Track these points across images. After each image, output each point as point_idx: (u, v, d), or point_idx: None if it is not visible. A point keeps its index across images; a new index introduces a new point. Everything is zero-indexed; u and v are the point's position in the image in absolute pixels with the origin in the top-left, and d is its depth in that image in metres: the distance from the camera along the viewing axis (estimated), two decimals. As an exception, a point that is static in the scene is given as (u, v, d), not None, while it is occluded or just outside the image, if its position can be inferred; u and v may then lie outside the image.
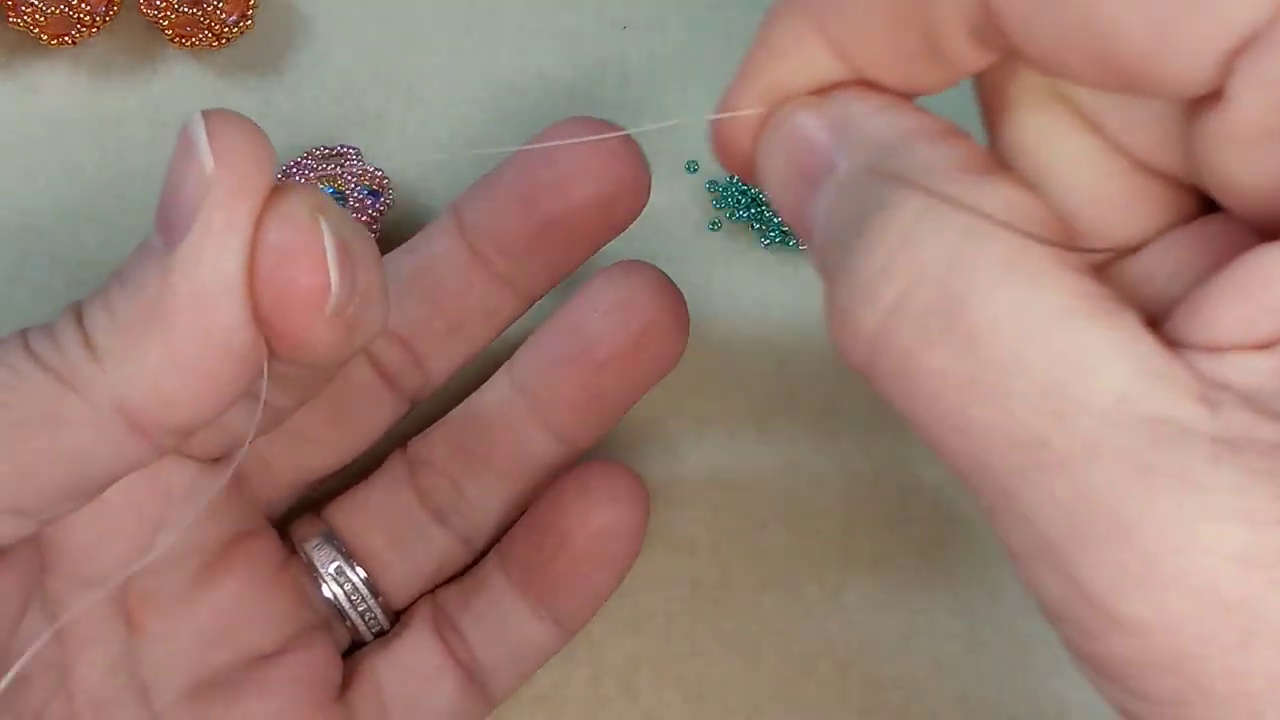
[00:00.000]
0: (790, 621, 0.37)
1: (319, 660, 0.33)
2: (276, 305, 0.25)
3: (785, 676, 0.36)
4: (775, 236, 0.39)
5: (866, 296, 0.21)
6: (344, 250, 0.25)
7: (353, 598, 0.34)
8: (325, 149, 0.38)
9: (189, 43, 0.39)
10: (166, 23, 0.39)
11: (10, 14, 0.38)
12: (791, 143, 0.25)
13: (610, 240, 0.34)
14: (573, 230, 0.33)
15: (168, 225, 0.25)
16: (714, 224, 0.39)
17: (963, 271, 0.21)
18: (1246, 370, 0.20)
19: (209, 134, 0.25)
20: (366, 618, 0.34)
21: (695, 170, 0.40)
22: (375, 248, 0.27)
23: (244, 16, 0.39)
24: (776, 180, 0.25)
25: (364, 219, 0.37)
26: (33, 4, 0.38)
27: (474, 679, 0.34)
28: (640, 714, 0.36)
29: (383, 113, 0.40)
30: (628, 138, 0.33)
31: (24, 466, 0.25)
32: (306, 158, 0.38)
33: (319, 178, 0.38)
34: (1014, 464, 0.20)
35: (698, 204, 0.39)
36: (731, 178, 0.39)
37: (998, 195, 0.22)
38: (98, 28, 0.39)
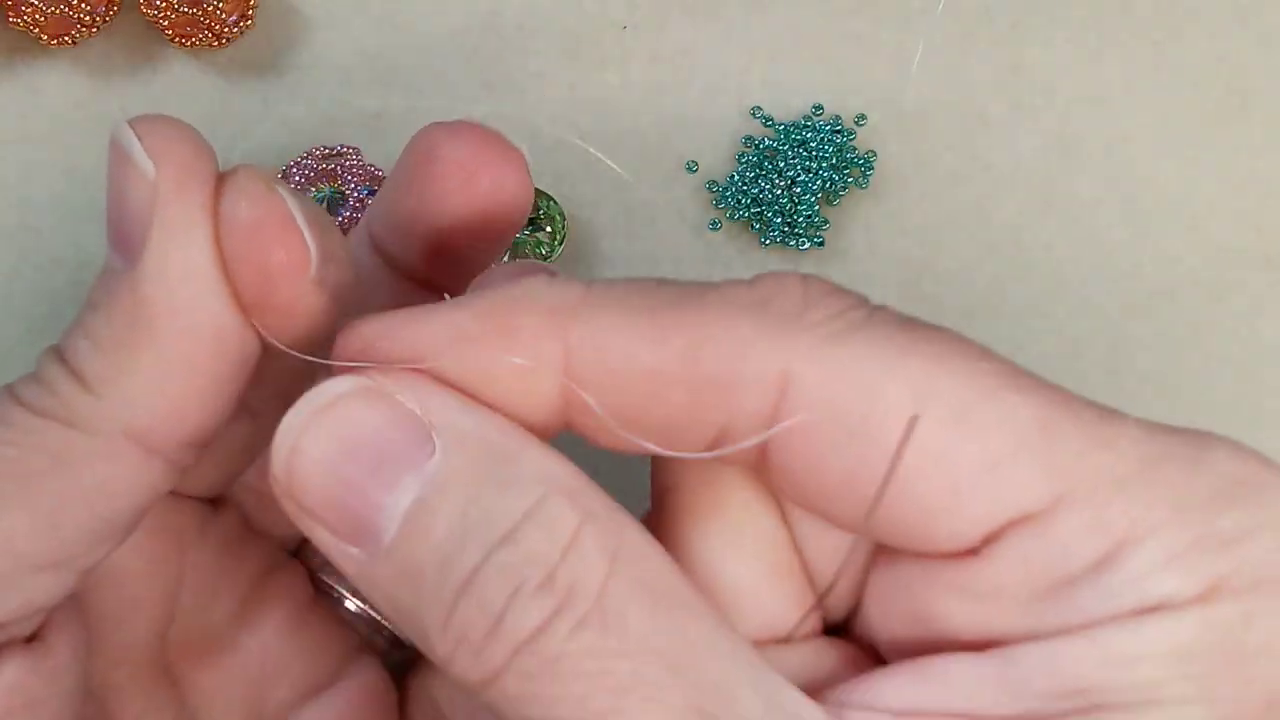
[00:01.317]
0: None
1: (374, 684, 0.32)
2: (260, 283, 0.24)
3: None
4: (775, 236, 0.39)
5: (530, 606, 0.22)
6: (307, 214, 0.25)
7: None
8: (325, 149, 0.38)
9: (189, 43, 0.39)
10: (166, 23, 0.39)
11: (10, 14, 0.38)
12: (361, 426, 0.23)
13: (513, 233, 0.31)
14: (470, 237, 0.30)
15: (124, 240, 0.24)
16: (714, 224, 0.39)
17: (621, 586, 0.22)
18: None
19: (140, 138, 0.24)
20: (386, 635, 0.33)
21: (695, 170, 0.40)
22: (321, 210, 0.26)
23: (244, 16, 0.39)
24: (317, 462, 0.23)
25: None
26: (33, 4, 0.38)
27: None
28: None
29: (382, 113, 0.40)
30: (504, 146, 0.30)
31: (47, 516, 0.25)
32: (306, 157, 0.38)
33: (319, 177, 0.38)
34: None
35: (698, 204, 0.39)
36: (732, 177, 0.39)
37: (642, 529, 0.23)
38: (98, 28, 0.39)
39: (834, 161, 0.39)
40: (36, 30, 0.39)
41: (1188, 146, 0.40)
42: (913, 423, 0.22)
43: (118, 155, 0.24)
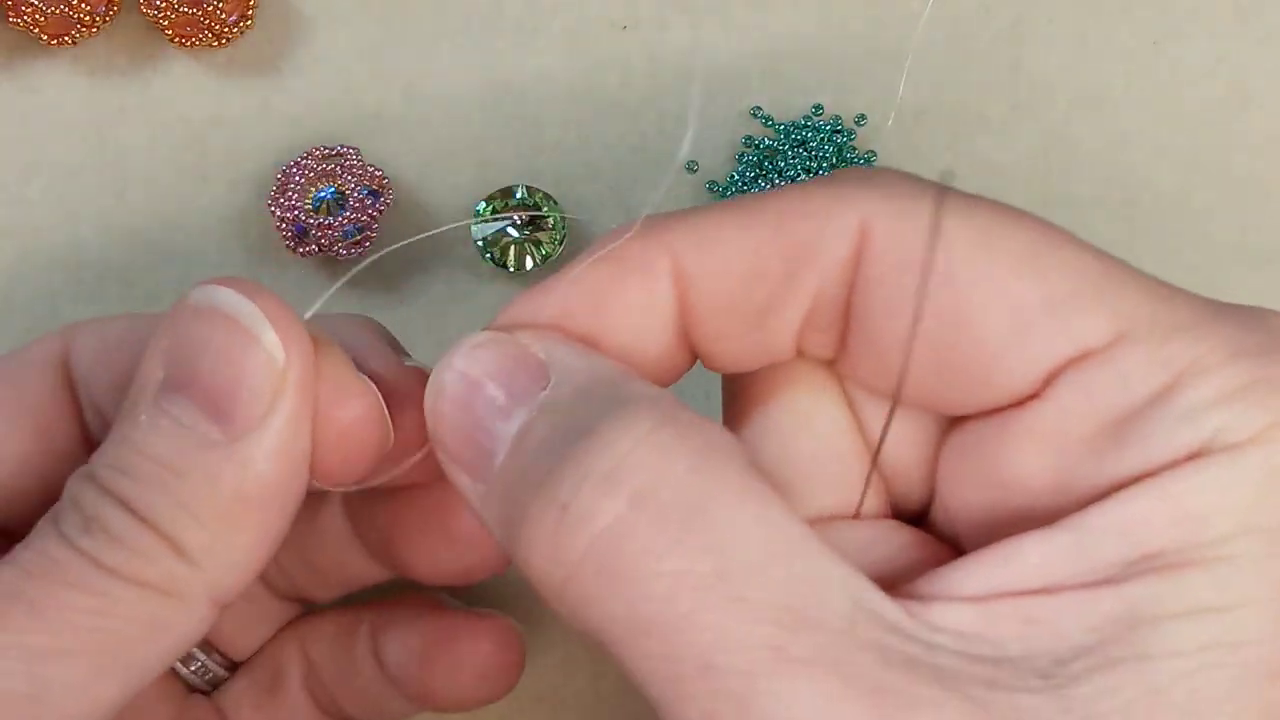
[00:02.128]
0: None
1: None
2: (344, 463, 0.27)
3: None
4: (775, 236, 0.39)
5: (600, 491, 0.22)
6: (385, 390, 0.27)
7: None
8: (325, 149, 0.38)
9: (189, 43, 0.39)
10: (166, 23, 0.39)
11: (10, 14, 0.38)
12: (493, 360, 0.25)
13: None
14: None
15: (228, 416, 0.25)
16: (714, 224, 0.39)
17: (708, 479, 0.22)
18: (953, 617, 0.22)
19: (271, 322, 0.25)
20: (199, 672, 0.33)
21: (695, 170, 0.40)
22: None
23: (244, 16, 0.39)
24: (453, 400, 0.25)
25: (364, 218, 0.37)
26: (33, 4, 0.38)
27: None
28: (640, 714, 0.36)
29: (382, 112, 0.40)
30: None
31: (137, 681, 0.25)
32: (306, 158, 0.38)
33: (319, 177, 0.38)
34: (749, 666, 0.21)
35: (698, 204, 0.39)
36: (732, 177, 0.39)
37: (725, 430, 0.23)
38: (98, 28, 0.39)
39: (834, 161, 0.39)
40: (36, 30, 0.39)
41: (1188, 146, 0.40)
42: (934, 234, 0.23)
43: (231, 327, 0.25)
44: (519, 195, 0.38)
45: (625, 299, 0.25)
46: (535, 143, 0.40)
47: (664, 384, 0.26)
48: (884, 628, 0.22)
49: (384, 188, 0.38)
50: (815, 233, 0.25)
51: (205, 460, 0.25)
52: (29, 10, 0.38)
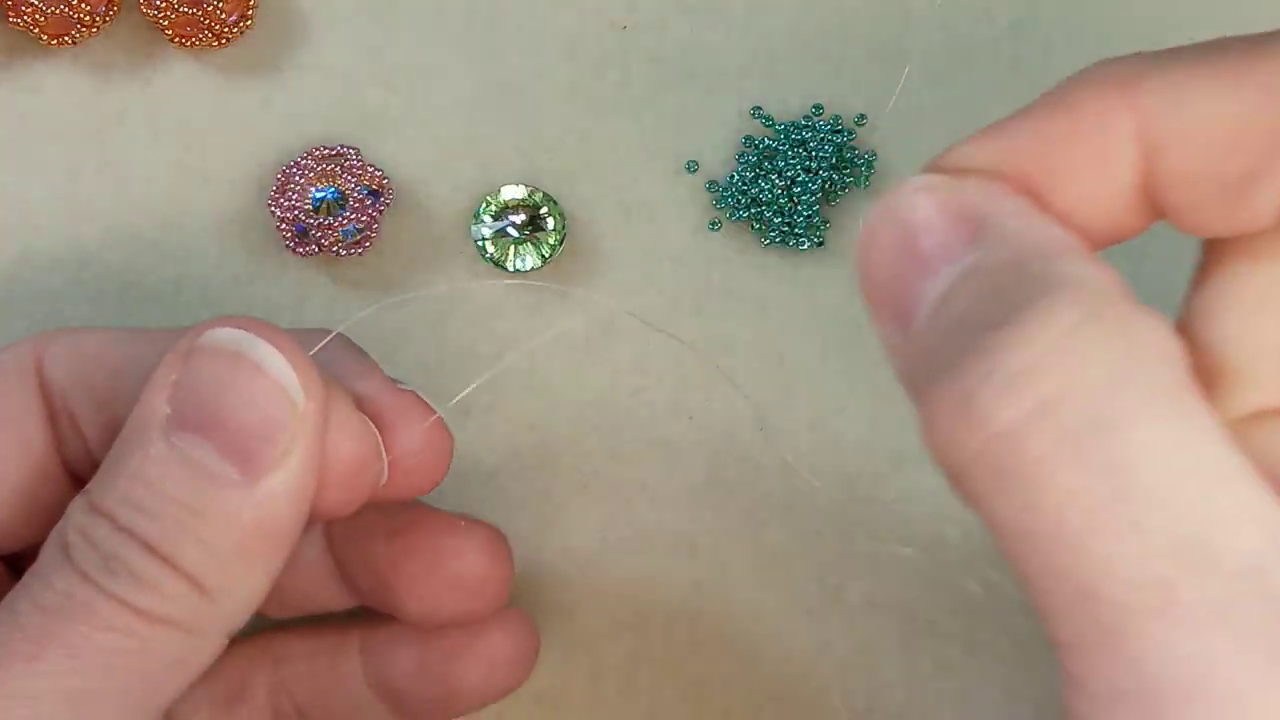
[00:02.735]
0: (790, 621, 0.37)
1: None
2: (342, 498, 0.28)
3: (785, 676, 0.36)
4: (775, 236, 0.39)
5: (1005, 390, 0.20)
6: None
7: None
8: (325, 149, 0.38)
9: (189, 42, 0.39)
10: (166, 22, 0.39)
11: (10, 14, 0.38)
12: (921, 212, 0.23)
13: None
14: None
15: (246, 456, 0.26)
16: (714, 224, 0.39)
17: (1124, 392, 0.20)
18: None
19: (294, 367, 0.26)
20: None
21: (695, 170, 0.40)
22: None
23: (244, 16, 0.39)
24: (883, 245, 0.23)
25: (364, 219, 0.37)
26: (33, 4, 0.38)
27: None
28: (640, 713, 0.36)
29: (382, 112, 0.40)
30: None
31: (153, 717, 0.26)
32: (306, 157, 0.38)
33: (319, 177, 0.38)
34: (1131, 603, 0.19)
35: (697, 204, 0.39)
36: (731, 177, 0.39)
37: (1160, 328, 0.21)
38: (98, 28, 0.39)
39: (834, 161, 0.39)
40: (36, 30, 0.39)
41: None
42: None
43: (251, 371, 0.26)
44: (519, 195, 0.38)
45: (1078, 158, 0.23)
46: (535, 143, 0.40)
47: (1120, 240, 0.24)
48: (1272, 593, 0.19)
49: (384, 188, 0.38)
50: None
51: (225, 501, 0.26)
52: (29, 10, 0.38)
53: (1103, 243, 0.24)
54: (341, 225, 0.37)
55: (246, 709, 0.33)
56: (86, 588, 0.25)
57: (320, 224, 0.37)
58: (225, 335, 0.26)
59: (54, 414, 0.30)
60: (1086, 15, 0.41)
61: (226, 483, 0.26)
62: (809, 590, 0.37)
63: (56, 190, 0.39)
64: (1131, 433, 0.20)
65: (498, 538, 0.32)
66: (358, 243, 0.38)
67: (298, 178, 0.38)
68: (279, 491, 0.26)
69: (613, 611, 0.36)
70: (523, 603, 0.36)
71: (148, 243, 0.39)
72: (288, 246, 0.38)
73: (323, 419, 0.26)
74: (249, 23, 0.39)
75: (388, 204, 0.38)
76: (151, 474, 0.26)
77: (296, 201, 0.37)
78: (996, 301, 0.21)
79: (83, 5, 0.38)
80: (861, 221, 0.24)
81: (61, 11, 0.38)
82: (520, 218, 0.38)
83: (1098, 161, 0.23)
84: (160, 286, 0.39)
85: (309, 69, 0.40)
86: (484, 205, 0.38)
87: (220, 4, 0.39)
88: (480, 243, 0.38)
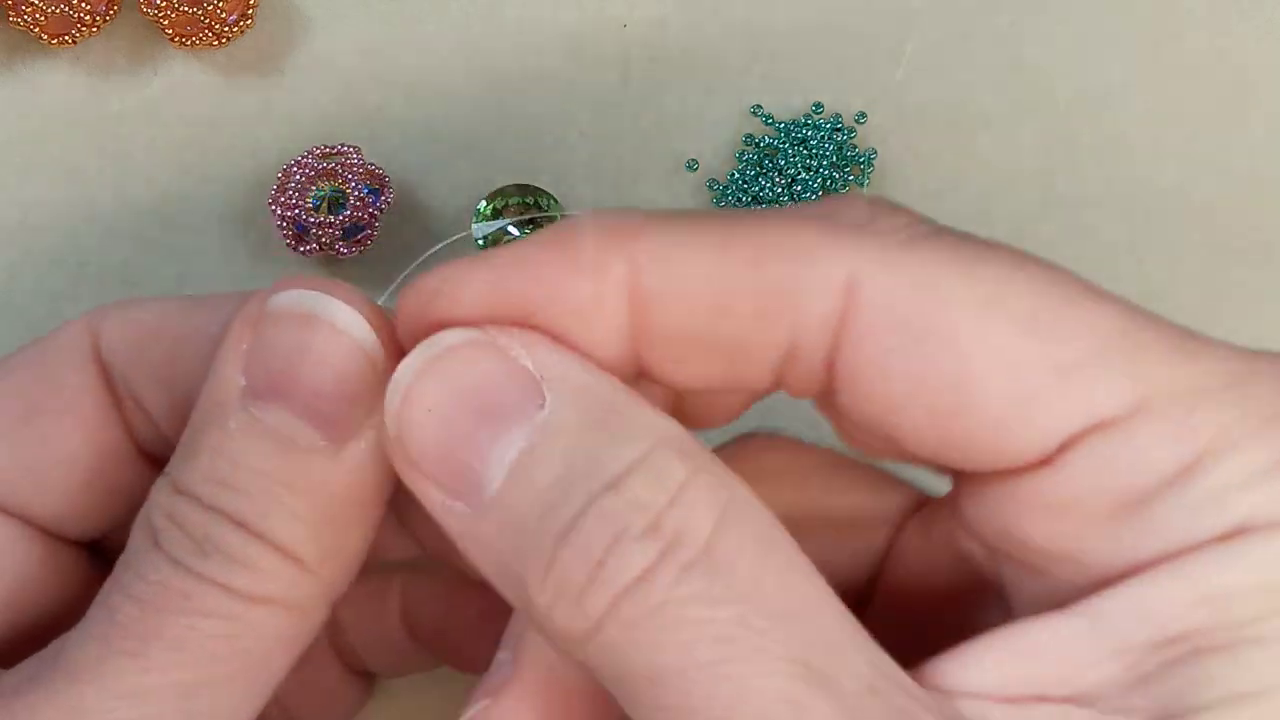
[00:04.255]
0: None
1: None
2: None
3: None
4: (775, 235, 0.39)
5: (632, 551, 0.21)
6: None
7: None
8: (326, 148, 0.38)
9: (189, 42, 0.39)
10: (166, 22, 0.39)
11: (11, 14, 0.38)
12: (472, 375, 0.23)
13: None
14: None
15: (330, 422, 0.24)
16: (714, 223, 0.39)
17: (733, 533, 0.21)
18: (981, 714, 0.21)
19: (365, 319, 0.25)
20: None
21: (695, 169, 0.40)
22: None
23: (244, 16, 0.39)
24: (429, 409, 0.23)
25: (365, 217, 0.37)
26: (33, 3, 0.38)
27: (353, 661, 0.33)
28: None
29: (382, 112, 0.40)
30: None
31: (266, 695, 0.25)
32: (307, 156, 0.38)
33: (319, 176, 0.38)
34: None
35: (698, 203, 0.39)
36: (732, 175, 0.39)
37: (746, 485, 0.22)
38: (98, 27, 0.39)
39: (834, 160, 0.39)
40: (37, 30, 0.39)
41: (1188, 144, 0.40)
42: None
43: (328, 333, 0.24)
44: (519, 195, 0.38)
45: (571, 298, 0.23)
46: (535, 143, 0.40)
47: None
48: (905, 694, 0.21)
49: (384, 186, 0.38)
50: (795, 281, 0.22)
51: (313, 469, 0.25)
52: (29, 10, 0.38)
53: None
54: (342, 224, 0.37)
55: (312, 651, 0.33)
56: (180, 574, 0.24)
57: (320, 223, 0.37)
58: (295, 297, 0.25)
59: (118, 397, 0.29)
60: (1087, 13, 0.41)
61: (313, 450, 0.24)
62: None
63: (56, 190, 0.39)
64: (746, 568, 0.21)
65: None
66: (358, 242, 0.38)
67: (298, 177, 0.38)
68: (368, 454, 0.25)
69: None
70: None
71: (148, 243, 0.39)
72: (288, 245, 0.38)
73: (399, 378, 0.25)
74: (249, 22, 0.39)
75: (388, 203, 0.38)
76: (234, 448, 0.24)
77: (297, 200, 0.37)
78: (591, 459, 0.21)
79: (83, 5, 0.38)
80: (394, 386, 0.23)
81: (62, 11, 0.38)
82: (520, 217, 0.38)
83: (589, 306, 0.23)
84: (160, 286, 0.39)
85: (309, 69, 0.40)
86: (484, 204, 0.38)
87: (220, 4, 0.39)
88: (480, 242, 0.38)
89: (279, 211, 0.37)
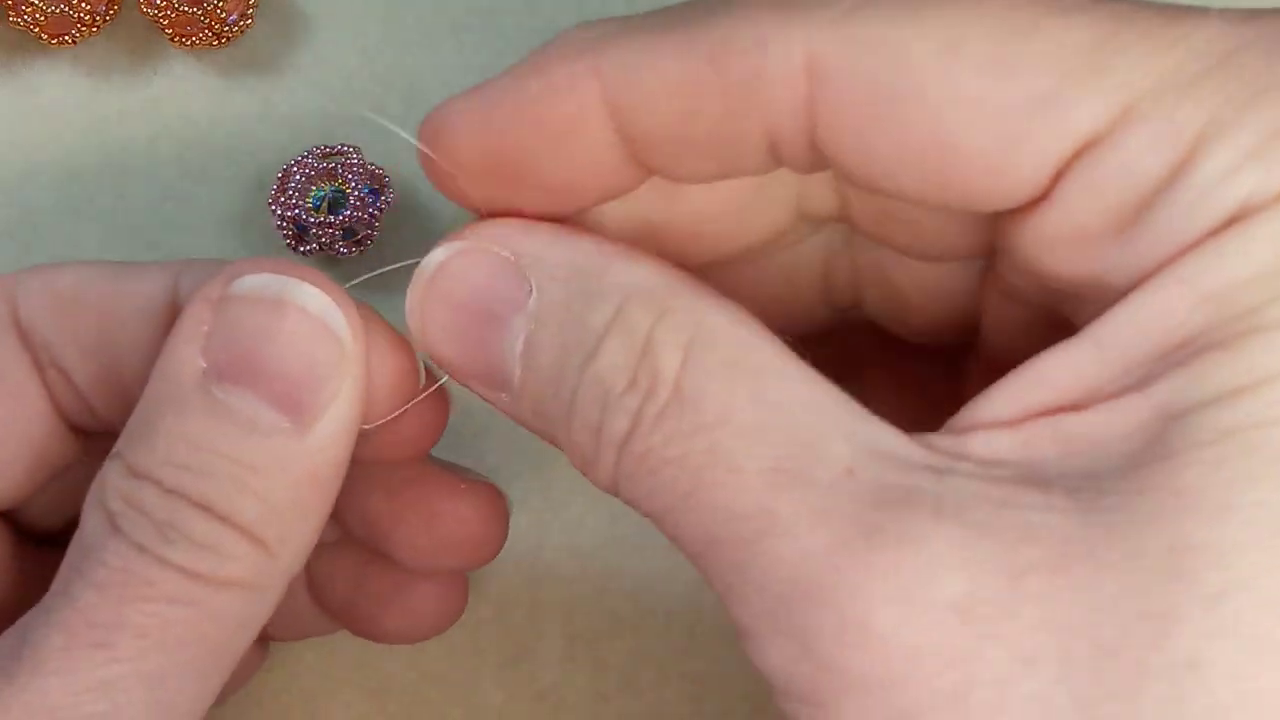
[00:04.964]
0: (791, 619, 0.37)
1: None
2: (385, 412, 0.27)
3: (786, 674, 0.36)
4: (775, 235, 0.39)
5: (619, 411, 0.22)
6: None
7: None
8: (326, 148, 0.38)
9: (189, 42, 0.39)
10: (166, 22, 0.39)
11: (10, 13, 0.38)
12: (465, 285, 0.25)
13: None
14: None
15: (295, 404, 0.25)
16: (714, 223, 0.39)
17: (701, 367, 0.22)
18: (986, 443, 0.21)
19: (334, 303, 0.25)
20: None
21: (695, 169, 0.40)
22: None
23: (244, 15, 0.39)
24: (442, 329, 0.25)
25: (365, 217, 0.37)
26: (33, 3, 0.38)
27: None
28: (642, 712, 0.36)
29: (383, 111, 0.40)
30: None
31: (225, 676, 0.25)
32: (307, 156, 0.38)
33: (319, 176, 0.38)
34: (743, 535, 0.21)
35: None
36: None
37: (718, 300, 0.23)
38: (98, 27, 0.39)
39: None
40: (36, 30, 0.39)
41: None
42: None
43: (296, 316, 0.25)
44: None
45: (553, 121, 0.24)
46: (535, 142, 0.40)
47: (630, 189, 0.25)
48: (886, 465, 0.21)
49: (384, 186, 0.38)
50: (755, 73, 0.22)
51: (278, 451, 0.25)
52: (29, 10, 0.38)
53: (605, 199, 0.25)
54: (342, 224, 0.37)
55: None
56: (144, 560, 0.24)
57: (320, 223, 0.37)
58: (262, 281, 0.25)
59: (39, 365, 0.28)
60: None
61: (277, 432, 0.25)
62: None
63: (56, 190, 0.39)
64: (715, 395, 0.22)
65: (496, 499, 0.31)
66: (358, 242, 0.38)
67: (298, 176, 0.38)
68: (331, 434, 0.25)
69: (613, 610, 0.36)
70: (522, 601, 0.36)
71: (148, 243, 0.39)
72: (288, 245, 0.38)
73: (366, 352, 0.26)
74: (249, 22, 0.39)
75: (388, 203, 0.38)
76: (195, 431, 0.24)
77: (297, 200, 0.37)
78: (577, 333, 0.23)
79: (83, 5, 0.38)
80: (409, 315, 0.25)
81: (61, 11, 0.38)
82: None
83: (572, 125, 0.24)
84: (160, 286, 0.39)
85: (309, 68, 0.40)
86: (484, 204, 0.38)
87: (220, 3, 0.39)
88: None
89: (279, 211, 0.37)
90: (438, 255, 0.25)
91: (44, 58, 0.40)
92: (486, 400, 0.25)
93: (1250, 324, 0.19)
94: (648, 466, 0.22)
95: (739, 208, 0.26)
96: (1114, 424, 0.20)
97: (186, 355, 0.25)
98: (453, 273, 0.25)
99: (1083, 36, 0.21)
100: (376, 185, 0.38)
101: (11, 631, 0.25)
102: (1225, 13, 0.21)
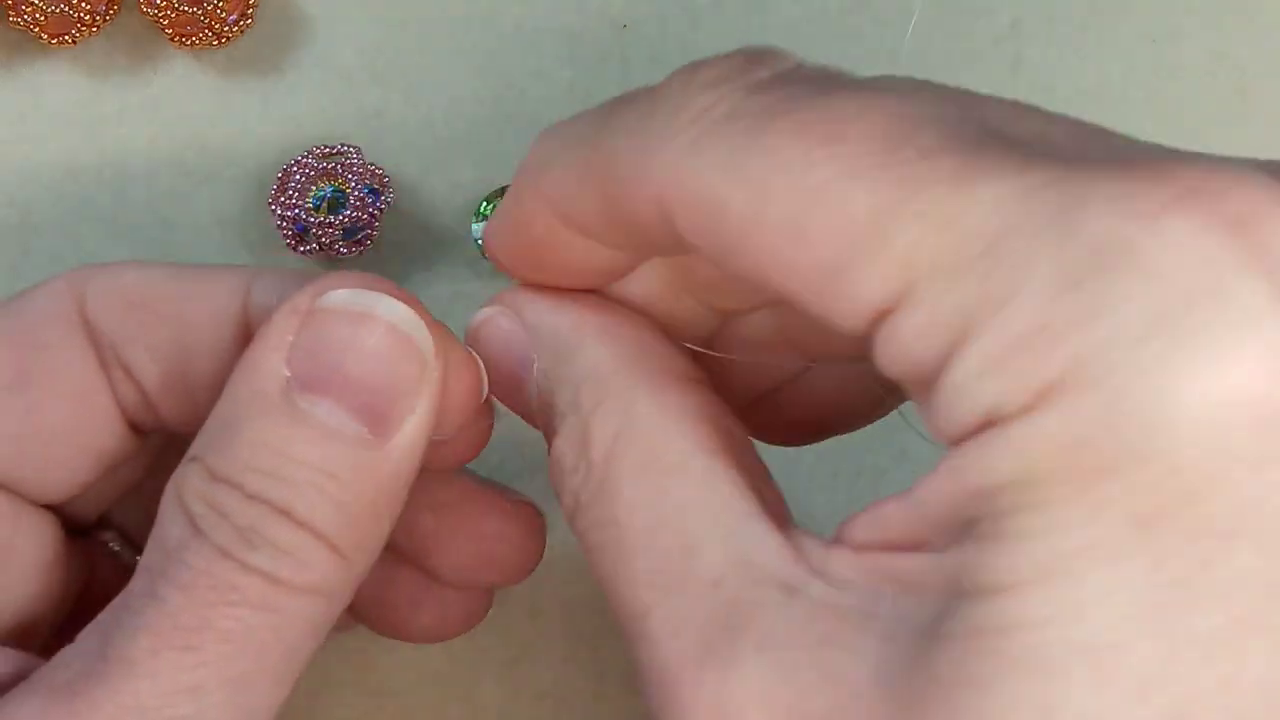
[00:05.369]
0: (791, 620, 0.37)
1: None
2: (455, 426, 0.28)
3: (787, 674, 0.36)
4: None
5: (565, 488, 0.25)
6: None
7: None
8: (326, 148, 0.38)
9: (189, 42, 0.39)
10: (166, 22, 0.39)
11: (10, 13, 0.38)
12: (498, 341, 0.28)
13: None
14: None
15: (377, 416, 0.26)
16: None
17: (613, 464, 0.24)
18: (842, 562, 0.22)
19: (425, 326, 0.27)
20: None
21: (695, 169, 0.40)
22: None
23: (244, 15, 0.39)
24: (496, 360, 0.28)
25: (365, 217, 0.37)
26: (33, 3, 0.38)
27: None
28: (641, 711, 0.36)
29: (382, 112, 0.40)
30: None
31: (295, 678, 0.26)
32: (307, 156, 0.38)
33: (319, 176, 0.38)
34: (630, 632, 0.23)
35: (698, 203, 0.40)
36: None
37: (655, 395, 0.25)
38: (98, 27, 0.39)
39: (834, 160, 0.39)
40: (37, 30, 0.39)
41: (1188, 144, 0.40)
42: None
43: (385, 332, 0.26)
44: (519, 194, 0.38)
45: (537, 234, 0.26)
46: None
47: (629, 269, 0.27)
48: (746, 579, 0.22)
49: (385, 186, 0.38)
50: (633, 213, 0.24)
51: (357, 461, 0.25)
52: (29, 10, 0.38)
53: (614, 279, 0.28)
54: (342, 224, 0.37)
55: None
56: (228, 565, 0.25)
57: (320, 223, 0.37)
58: (351, 295, 0.26)
59: (105, 364, 0.29)
60: (1086, 13, 0.41)
61: (358, 443, 0.25)
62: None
63: (56, 190, 0.39)
64: (620, 494, 0.24)
65: (536, 518, 0.32)
66: (358, 241, 0.38)
67: (298, 176, 0.38)
68: (408, 445, 0.26)
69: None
70: (524, 600, 0.36)
71: (148, 243, 0.39)
72: (288, 245, 0.38)
73: (445, 366, 0.27)
74: (249, 22, 0.39)
75: (388, 203, 0.38)
76: (277, 438, 0.25)
77: (297, 200, 0.37)
78: (552, 405, 0.26)
79: (83, 5, 0.38)
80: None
81: (61, 11, 0.38)
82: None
83: (547, 234, 0.26)
84: (160, 286, 0.39)
85: (309, 68, 0.40)
86: (484, 204, 0.38)
87: (220, 3, 0.39)
88: (480, 241, 0.38)
89: (279, 211, 0.37)
90: (476, 318, 0.28)
91: (44, 58, 0.40)
92: (512, 409, 0.29)
93: (1000, 528, 0.19)
94: (584, 544, 0.24)
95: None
96: (927, 575, 0.21)
97: (272, 364, 0.26)
98: (485, 332, 0.28)
99: (866, 206, 0.20)
100: (376, 185, 0.38)
101: (91, 632, 0.25)
102: (1007, 178, 0.20)
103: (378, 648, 0.35)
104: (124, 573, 0.30)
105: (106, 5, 0.39)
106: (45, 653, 0.26)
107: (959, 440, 0.20)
